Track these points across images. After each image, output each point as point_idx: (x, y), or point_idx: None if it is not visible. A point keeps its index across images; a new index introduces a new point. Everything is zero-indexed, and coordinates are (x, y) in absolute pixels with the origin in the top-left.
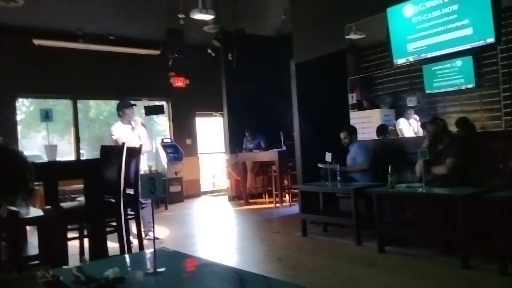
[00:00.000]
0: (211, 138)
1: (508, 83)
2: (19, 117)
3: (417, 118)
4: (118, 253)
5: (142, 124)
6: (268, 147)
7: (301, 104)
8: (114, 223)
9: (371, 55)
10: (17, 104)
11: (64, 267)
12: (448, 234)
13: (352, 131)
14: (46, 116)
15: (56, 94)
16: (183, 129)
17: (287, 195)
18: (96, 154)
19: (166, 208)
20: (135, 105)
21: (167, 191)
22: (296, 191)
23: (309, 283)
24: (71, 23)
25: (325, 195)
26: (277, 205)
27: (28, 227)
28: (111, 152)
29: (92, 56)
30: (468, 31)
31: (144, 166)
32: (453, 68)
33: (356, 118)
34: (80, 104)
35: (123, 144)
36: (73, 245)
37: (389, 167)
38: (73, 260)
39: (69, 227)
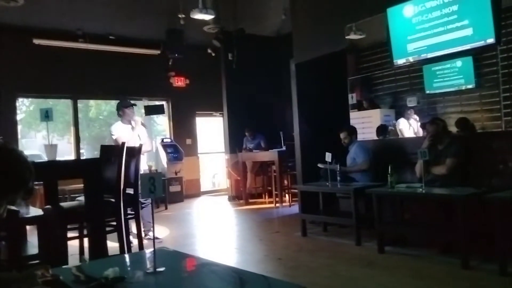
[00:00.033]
0: (211, 138)
1: (508, 84)
2: (19, 116)
3: (417, 118)
4: (118, 252)
5: (142, 124)
6: (268, 147)
7: (301, 104)
8: (114, 223)
9: (371, 55)
10: (17, 104)
11: (64, 266)
12: (448, 234)
13: (352, 131)
14: (46, 115)
15: (56, 94)
16: (183, 129)
17: (287, 195)
18: (96, 154)
19: (166, 208)
20: (135, 104)
21: (167, 191)
22: (296, 191)
23: (309, 283)
24: (71, 23)
25: (325, 195)
26: (277, 205)
27: (28, 227)
28: (111, 152)
29: (92, 56)
30: (468, 31)
31: (144, 165)
32: (453, 69)
33: (356, 118)
34: (80, 103)
35: (123, 143)
36: (73, 245)
37: (389, 167)
38: (73, 259)
39: (69, 226)
